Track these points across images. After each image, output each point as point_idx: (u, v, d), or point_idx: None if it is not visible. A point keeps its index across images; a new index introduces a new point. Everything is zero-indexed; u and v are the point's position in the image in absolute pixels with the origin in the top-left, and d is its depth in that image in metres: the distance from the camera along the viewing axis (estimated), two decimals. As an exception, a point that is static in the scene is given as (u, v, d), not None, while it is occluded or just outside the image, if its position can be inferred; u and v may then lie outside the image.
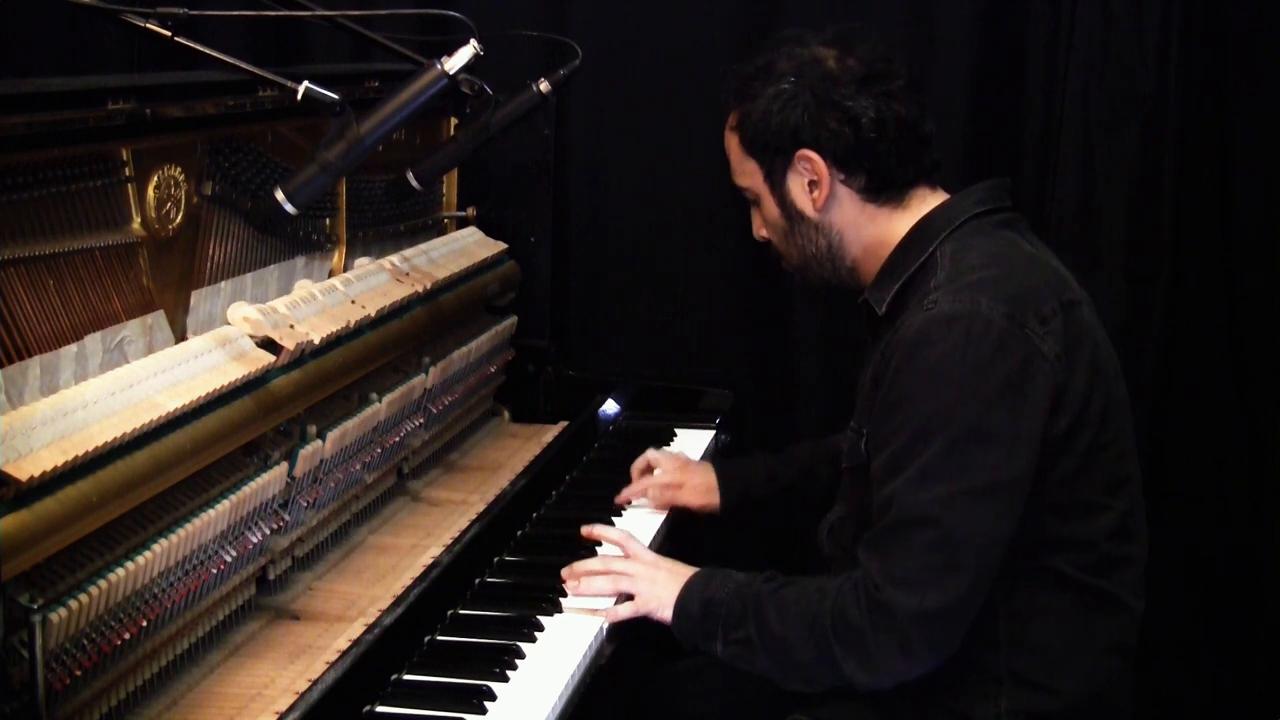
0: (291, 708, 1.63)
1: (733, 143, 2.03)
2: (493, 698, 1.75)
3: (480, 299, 2.70)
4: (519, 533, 2.29)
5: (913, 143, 1.94)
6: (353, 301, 2.14)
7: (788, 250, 2.04)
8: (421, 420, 2.39)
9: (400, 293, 2.28)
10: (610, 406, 2.87)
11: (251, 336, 1.88)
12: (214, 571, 1.77)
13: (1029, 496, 1.79)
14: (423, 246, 2.52)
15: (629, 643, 2.00)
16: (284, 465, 1.91)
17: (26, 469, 1.42)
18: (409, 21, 2.94)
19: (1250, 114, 2.88)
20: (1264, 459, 2.94)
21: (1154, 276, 2.91)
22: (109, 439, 1.54)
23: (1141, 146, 2.89)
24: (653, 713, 2.25)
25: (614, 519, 2.35)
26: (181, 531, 1.66)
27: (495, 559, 2.17)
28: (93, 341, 1.66)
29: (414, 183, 2.37)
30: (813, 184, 1.96)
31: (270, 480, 1.86)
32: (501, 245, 2.79)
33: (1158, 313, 2.92)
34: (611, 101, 3.14)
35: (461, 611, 1.99)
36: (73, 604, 1.48)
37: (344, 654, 1.76)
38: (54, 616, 1.46)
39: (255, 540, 1.86)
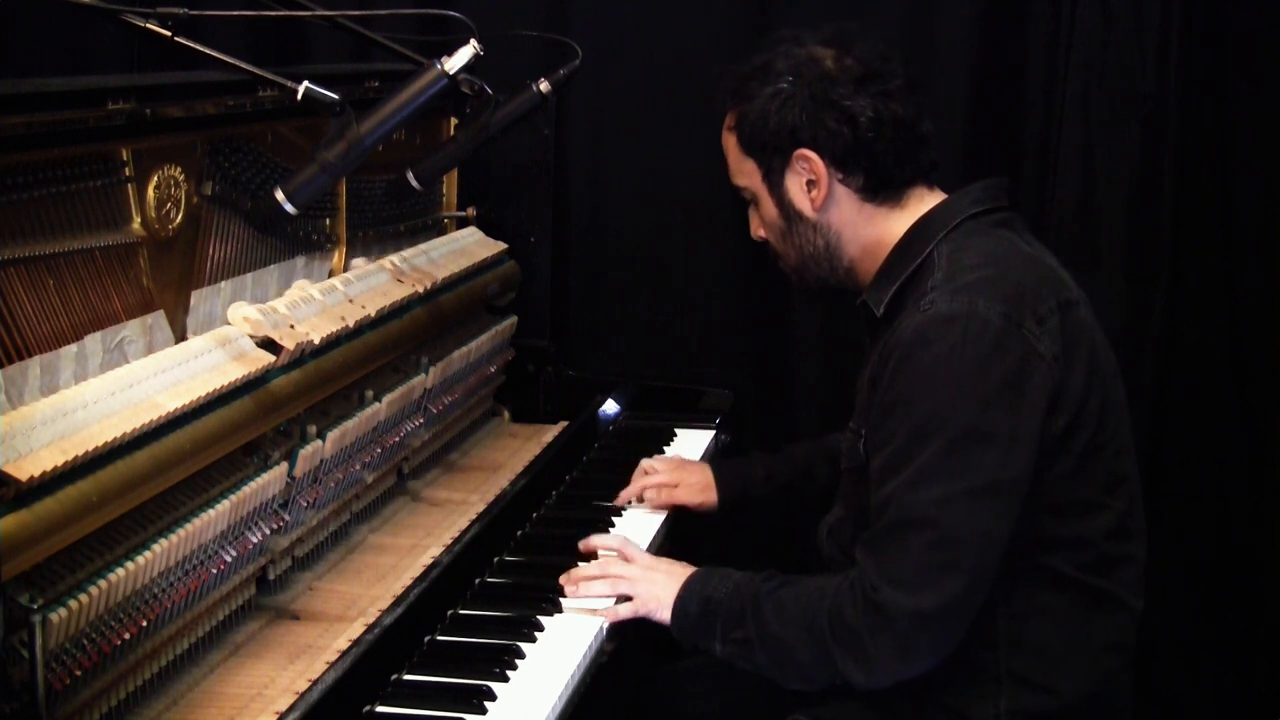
0: (291, 708, 1.63)
1: (730, 143, 2.03)
2: (493, 698, 1.75)
3: (480, 299, 2.70)
4: (519, 533, 2.29)
5: (910, 142, 1.95)
6: (353, 301, 2.14)
7: (785, 250, 2.04)
8: (421, 420, 2.39)
9: (400, 293, 2.28)
10: (610, 406, 2.87)
11: (251, 336, 1.88)
12: (214, 571, 1.77)
13: (1027, 496, 1.79)
14: (423, 246, 2.52)
15: (629, 643, 2.00)
16: (284, 465, 1.91)
17: (26, 469, 1.42)
18: (409, 21, 2.94)
19: (1250, 114, 2.88)
20: (1264, 459, 2.94)
21: (1154, 276, 2.91)
22: (109, 439, 1.54)
23: (1141, 146, 2.89)
24: (653, 713, 2.25)
25: (613, 520, 2.35)
26: (181, 531, 1.66)
27: (495, 559, 2.17)
28: (93, 341, 1.66)
29: (414, 183, 2.37)
30: (811, 183, 1.96)
31: (270, 480, 1.86)
32: (501, 245, 2.79)
33: (1158, 313, 2.92)
34: (611, 101, 3.14)
35: (461, 611, 1.99)
36: (73, 604, 1.48)
37: (344, 654, 1.76)
38: (54, 616, 1.46)
39: (255, 540, 1.86)
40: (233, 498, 1.77)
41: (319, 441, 2.00)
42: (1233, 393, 2.95)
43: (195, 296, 1.89)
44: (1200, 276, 2.94)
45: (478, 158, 2.70)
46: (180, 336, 1.85)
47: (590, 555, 2.15)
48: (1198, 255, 2.93)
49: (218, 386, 1.74)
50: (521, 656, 1.86)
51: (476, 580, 2.09)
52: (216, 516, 1.74)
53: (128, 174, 1.74)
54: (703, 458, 2.63)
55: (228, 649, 1.84)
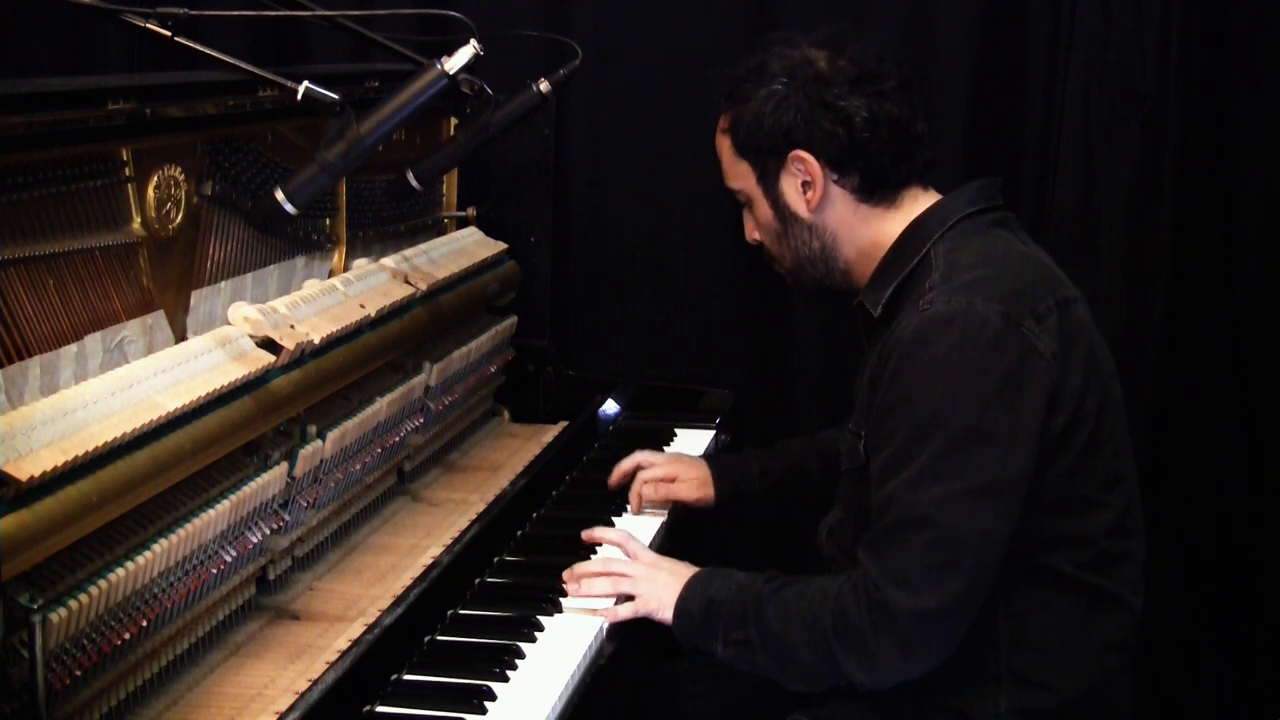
0: (291, 708, 1.63)
1: (724, 145, 2.03)
2: (493, 698, 1.75)
3: (480, 299, 2.70)
4: (519, 533, 2.29)
5: (905, 142, 1.94)
6: (353, 301, 2.14)
7: (781, 252, 2.04)
8: (421, 420, 2.39)
9: (400, 293, 2.28)
10: (610, 406, 2.87)
11: (251, 336, 1.88)
12: (214, 571, 1.77)
13: (1027, 495, 1.79)
14: (423, 246, 2.52)
15: (629, 643, 2.00)
16: (284, 465, 1.91)
17: (26, 469, 1.42)
18: (409, 21, 2.94)
19: (1250, 114, 2.88)
20: (1264, 459, 2.94)
21: (1154, 276, 2.91)
22: (109, 439, 1.54)
23: (1141, 146, 2.89)
24: (653, 713, 2.25)
25: (614, 519, 2.35)
26: (181, 531, 1.66)
27: (495, 559, 2.17)
28: (93, 341, 1.66)
29: (414, 183, 2.37)
30: (806, 185, 1.96)
31: (270, 480, 1.86)
32: (501, 245, 2.79)
33: (1158, 313, 2.92)
34: (611, 101, 3.14)
35: (461, 611, 1.99)
36: (73, 604, 1.48)
37: (344, 654, 1.76)
38: (54, 616, 1.46)
39: (255, 540, 1.86)
40: (233, 498, 1.77)
41: (319, 441, 2.00)
42: (1233, 393, 2.95)
43: (195, 296, 1.89)
44: (1200, 276, 2.94)
45: (478, 158, 2.70)
46: (180, 336, 1.85)
47: (590, 553, 2.15)
48: (1198, 255, 2.93)
49: (218, 386, 1.74)
50: (521, 656, 1.86)
51: (476, 580, 2.09)
52: (216, 516, 1.73)
53: (128, 174, 1.74)
54: (702, 457, 2.63)
55: (228, 649, 1.84)
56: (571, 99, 3.06)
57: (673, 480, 2.41)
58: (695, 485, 2.41)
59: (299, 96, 1.79)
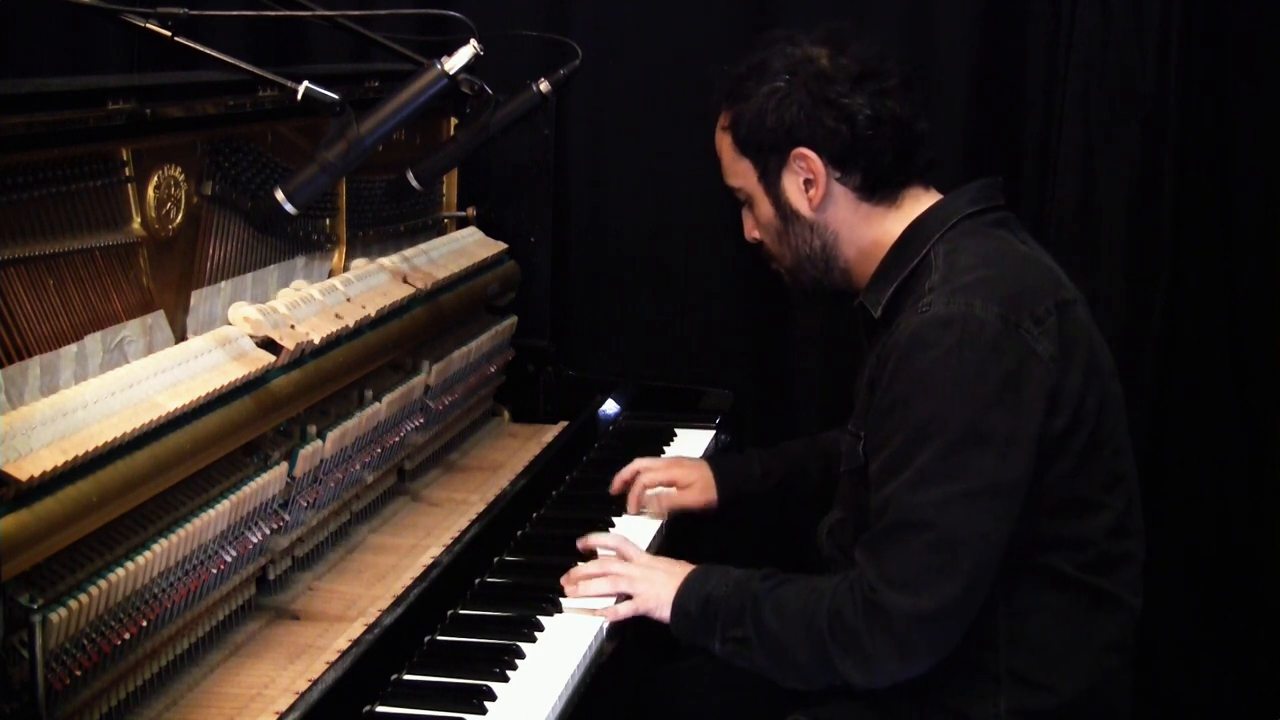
0: (291, 708, 1.63)
1: (725, 143, 2.02)
2: (493, 698, 1.75)
3: (480, 299, 2.70)
4: (519, 533, 2.29)
5: (907, 141, 1.94)
6: (352, 301, 2.14)
7: (780, 251, 2.03)
8: (421, 420, 2.39)
9: (400, 293, 2.28)
10: (610, 406, 2.87)
11: (251, 336, 1.88)
12: (214, 571, 1.77)
13: (1027, 496, 1.79)
14: (423, 246, 2.52)
15: (629, 642, 2.00)
16: (284, 465, 1.91)
17: (26, 469, 1.42)
18: (409, 21, 2.94)
19: (1250, 114, 2.88)
20: (1264, 459, 2.94)
21: (1154, 276, 2.92)
22: (109, 439, 1.54)
23: (1141, 146, 2.89)
24: (653, 713, 2.25)
25: (614, 519, 2.34)
26: (181, 531, 1.66)
27: (495, 559, 2.17)
28: (93, 341, 1.66)
29: (414, 183, 2.37)
30: (808, 183, 1.96)
31: (270, 480, 1.86)
32: (501, 245, 2.79)
33: (1158, 313, 2.92)
34: (611, 101, 3.14)
35: (461, 611, 1.99)
36: (73, 604, 1.48)
37: (344, 654, 1.76)
38: (54, 616, 1.46)
39: (255, 540, 1.86)
40: (233, 498, 1.77)
41: (319, 441, 2.00)
42: (1233, 393, 2.95)
43: (195, 296, 1.89)
44: (1200, 276, 2.94)
45: (478, 158, 2.70)
46: (180, 336, 1.85)
47: (589, 555, 2.15)
48: (1198, 255, 2.93)
49: (218, 386, 1.74)
50: (521, 656, 1.86)
51: (476, 580, 2.09)
52: (216, 516, 1.74)
53: (128, 174, 1.74)
54: (703, 458, 2.62)
55: (228, 649, 1.84)
56: (571, 99, 3.06)
57: (674, 485, 2.40)
58: (698, 491, 2.40)
59: (299, 96, 1.79)
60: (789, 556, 2.92)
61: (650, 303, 3.20)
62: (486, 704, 1.73)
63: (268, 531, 1.89)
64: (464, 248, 2.67)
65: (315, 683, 1.68)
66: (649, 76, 3.11)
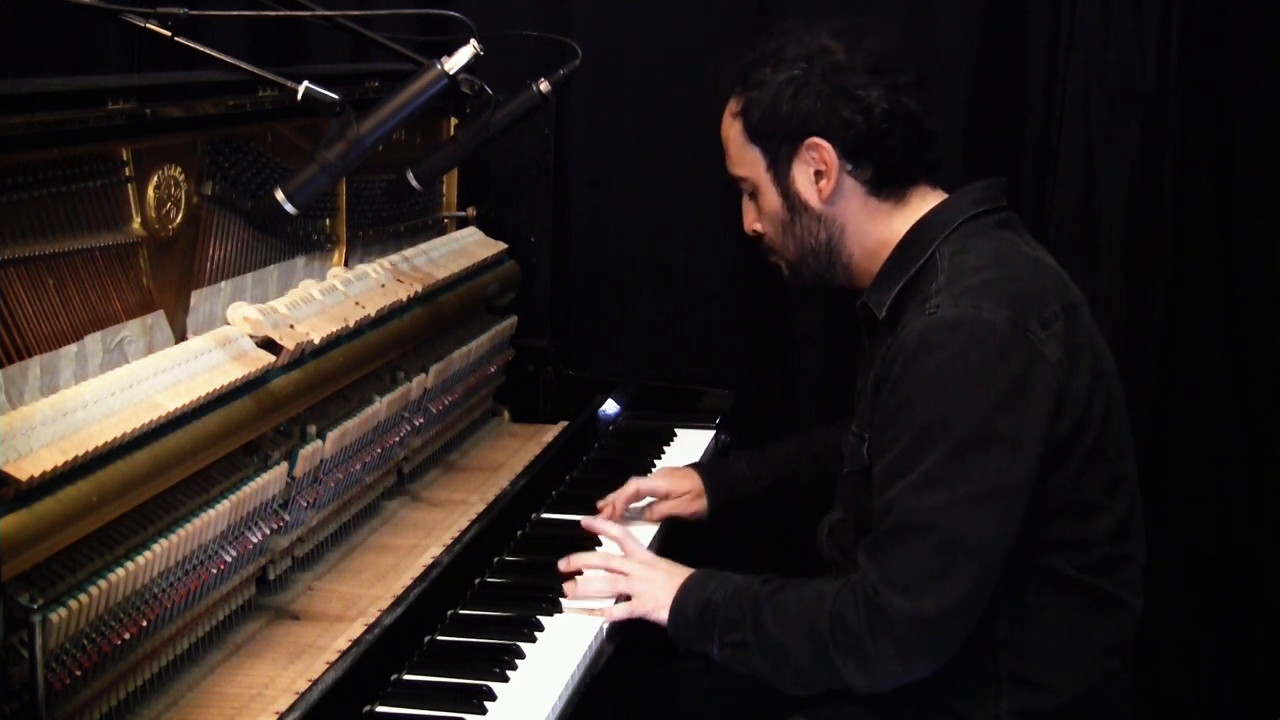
0: (291, 708, 1.63)
1: (734, 130, 1.99)
2: (493, 698, 1.75)
3: (480, 299, 2.70)
4: (519, 533, 2.29)
5: (919, 138, 1.94)
6: (352, 301, 2.14)
7: (784, 243, 2.01)
8: (421, 420, 2.39)
9: (400, 293, 2.28)
10: (610, 406, 2.87)
11: (251, 336, 1.88)
12: (214, 571, 1.77)
13: (1030, 499, 1.79)
14: (423, 246, 2.52)
15: (629, 643, 2.00)
16: (284, 465, 1.91)
17: (26, 469, 1.42)
18: (409, 21, 2.94)
19: (1250, 114, 2.88)
20: (1264, 459, 2.94)
21: (1154, 276, 2.91)
22: (109, 439, 1.54)
23: (1141, 146, 2.89)
24: (653, 713, 2.25)
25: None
26: (181, 531, 1.66)
27: (495, 559, 2.17)
28: (93, 341, 1.66)
29: (414, 183, 2.37)
30: (819, 174, 1.94)
31: (270, 480, 1.86)
32: (501, 245, 2.79)
33: (1158, 313, 2.92)
34: (611, 101, 3.14)
35: (461, 611, 1.99)
36: (73, 604, 1.48)
37: (344, 654, 1.76)
38: (54, 616, 1.46)
39: (255, 540, 1.86)
40: (233, 498, 1.77)
41: (319, 441, 2.00)
42: (1233, 393, 2.95)
43: (195, 296, 1.89)
44: (1200, 276, 2.94)
45: (478, 158, 2.70)
46: (180, 336, 1.85)
47: (592, 537, 2.14)
48: (1198, 255, 2.93)
49: (218, 386, 1.74)
50: (521, 656, 1.86)
51: (476, 580, 2.09)
52: (216, 516, 1.73)
53: (128, 174, 1.74)
54: (703, 458, 2.63)
55: (228, 649, 1.84)
56: (571, 99, 3.06)
57: (665, 496, 2.37)
58: (689, 501, 2.37)
59: (299, 96, 1.79)
60: (785, 559, 2.93)
61: (650, 303, 3.20)
62: (486, 704, 1.73)
63: (268, 531, 1.89)
64: (464, 248, 2.67)
65: (315, 683, 1.68)
66: (649, 76, 3.10)
